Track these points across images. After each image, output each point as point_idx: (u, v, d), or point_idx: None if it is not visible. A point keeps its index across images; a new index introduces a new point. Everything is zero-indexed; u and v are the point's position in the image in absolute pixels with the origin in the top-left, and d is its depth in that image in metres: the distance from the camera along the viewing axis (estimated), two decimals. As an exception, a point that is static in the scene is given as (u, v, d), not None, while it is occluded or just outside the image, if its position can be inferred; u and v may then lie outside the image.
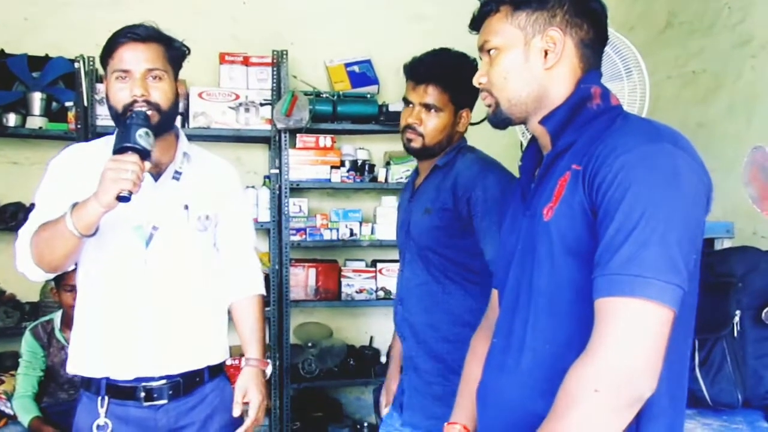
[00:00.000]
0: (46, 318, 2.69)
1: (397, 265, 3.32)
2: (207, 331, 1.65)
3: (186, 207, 1.59)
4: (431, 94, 1.72)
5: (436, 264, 1.72)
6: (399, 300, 1.83)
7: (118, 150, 1.35)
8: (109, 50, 1.50)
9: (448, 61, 1.75)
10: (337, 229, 3.32)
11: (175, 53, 1.56)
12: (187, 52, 1.61)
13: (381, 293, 3.38)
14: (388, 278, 3.38)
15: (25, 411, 2.51)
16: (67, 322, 2.65)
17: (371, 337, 3.52)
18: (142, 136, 1.36)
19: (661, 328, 0.90)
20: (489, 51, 1.12)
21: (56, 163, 1.59)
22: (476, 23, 1.15)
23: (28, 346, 2.62)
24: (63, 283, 2.60)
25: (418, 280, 1.76)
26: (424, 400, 1.72)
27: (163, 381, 1.55)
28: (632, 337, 0.89)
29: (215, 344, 1.67)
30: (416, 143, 1.75)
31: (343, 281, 3.37)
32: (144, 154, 1.36)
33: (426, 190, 1.79)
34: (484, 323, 1.35)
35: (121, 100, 1.47)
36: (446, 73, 1.71)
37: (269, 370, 1.73)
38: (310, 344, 3.32)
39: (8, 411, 2.67)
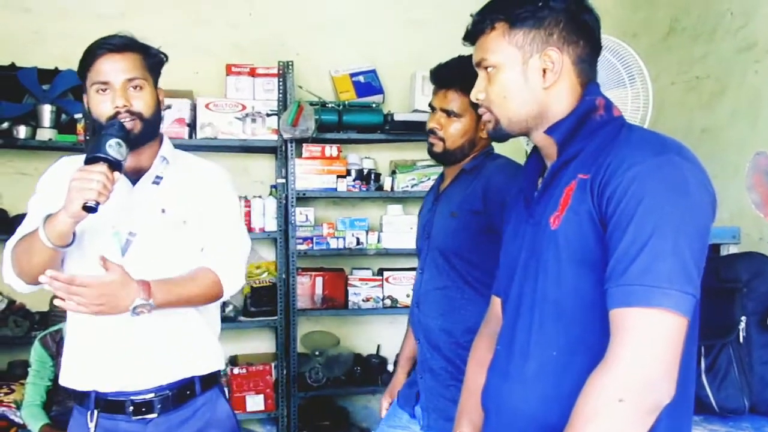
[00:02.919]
0: (55, 327, 2.70)
1: (403, 273, 3.40)
2: (194, 340, 1.58)
3: (163, 211, 1.54)
4: (451, 99, 1.73)
5: (458, 268, 1.73)
6: (415, 302, 1.84)
7: (88, 160, 1.34)
8: (86, 63, 1.49)
9: (468, 66, 1.76)
10: (344, 238, 3.33)
11: (153, 61, 1.54)
12: (165, 59, 1.58)
13: (387, 301, 3.38)
14: (395, 286, 3.39)
15: (34, 419, 2.52)
16: (76, 332, 2.67)
17: (378, 346, 3.53)
18: (112, 146, 1.34)
19: (677, 336, 0.92)
20: (486, 68, 1.13)
21: (45, 176, 1.58)
22: (470, 37, 1.16)
23: (37, 355, 2.63)
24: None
25: (436, 284, 1.77)
26: (440, 402, 1.73)
27: (152, 394, 1.50)
28: (652, 347, 0.91)
29: (205, 353, 1.59)
30: (437, 148, 1.77)
31: (350, 290, 3.38)
32: (114, 165, 1.35)
33: (452, 193, 1.79)
34: (483, 330, 1.36)
35: (104, 113, 1.46)
36: (465, 78, 1.71)
37: (138, 301, 1.39)
38: (317, 353, 3.32)
39: (18, 420, 2.69)
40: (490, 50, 1.11)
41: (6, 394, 2.81)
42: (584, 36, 1.10)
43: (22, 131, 3.04)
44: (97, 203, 1.31)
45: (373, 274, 3.47)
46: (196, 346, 1.58)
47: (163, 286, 1.44)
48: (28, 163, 3.29)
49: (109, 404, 1.51)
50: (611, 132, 1.06)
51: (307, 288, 3.34)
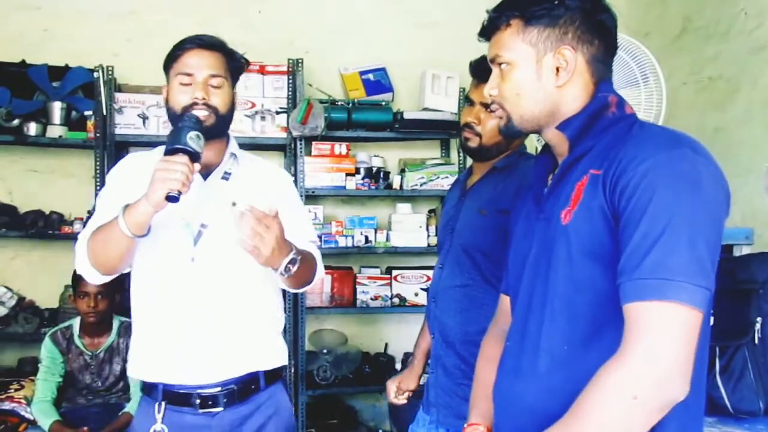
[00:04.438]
0: (65, 324, 2.71)
1: (411, 272, 3.39)
2: (260, 335, 1.61)
3: (234, 204, 1.57)
4: None
5: (481, 267, 1.71)
6: (432, 298, 1.83)
7: (169, 151, 1.39)
8: (174, 55, 1.56)
9: None
10: (352, 236, 3.33)
11: (235, 65, 1.62)
12: (246, 64, 1.67)
13: (396, 300, 3.38)
14: (403, 285, 3.39)
15: (45, 415, 2.53)
16: (85, 329, 2.68)
17: (386, 344, 3.52)
18: (192, 138, 1.39)
19: (692, 330, 0.91)
20: (500, 64, 1.13)
21: (115, 170, 1.65)
22: (486, 33, 1.16)
23: (47, 351, 2.64)
24: (78, 290, 2.63)
25: (456, 281, 1.75)
26: (452, 399, 1.72)
27: (218, 388, 1.54)
28: (667, 341, 0.90)
29: (270, 348, 1.63)
30: (473, 143, 1.74)
31: (358, 288, 3.37)
32: (194, 156, 1.40)
33: (480, 190, 1.77)
34: (493, 327, 1.36)
35: (182, 102, 1.53)
36: None
37: (292, 255, 1.43)
38: (325, 351, 3.32)
39: (28, 416, 2.70)
40: (504, 47, 1.11)
41: (16, 390, 2.82)
42: (600, 35, 1.10)
43: (32, 128, 3.06)
44: (179, 193, 1.36)
45: (382, 273, 3.47)
46: (261, 341, 1.61)
47: (299, 251, 1.47)
48: (38, 160, 3.30)
49: (177, 397, 1.54)
50: (623, 128, 1.06)
51: (316, 286, 3.33)
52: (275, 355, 1.64)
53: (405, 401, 1.92)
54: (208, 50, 1.55)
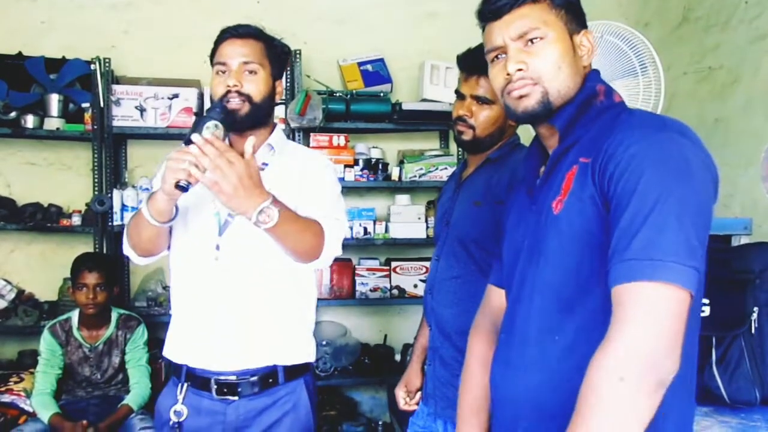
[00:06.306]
0: (64, 316, 2.72)
1: (410, 264, 3.39)
2: (282, 329, 1.59)
3: None
4: (482, 85, 1.69)
5: (477, 258, 1.71)
6: (429, 290, 1.83)
7: (187, 141, 1.40)
8: (213, 49, 1.60)
9: None
10: (351, 228, 3.32)
11: (275, 51, 1.61)
12: (288, 51, 1.67)
13: (395, 292, 3.38)
14: (402, 277, 3.39)
15: (45, 408, 2.54)
16: (84, 321, 2.68)
17: (385, 336, 3.53)
18: (209, 128, 1.40)
19: (680, 310, 0.90)
20: (530, 39, 1.08)
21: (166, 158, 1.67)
22: (501, 10, 1.10)
23: (46, 344, 2.65)
24: (77, 282, 2.63)
25: (452, 273, 1.75)
26: (449, 391, 1.72)
27: (234, 377, 1.55)
28: (654, 321, 0.89)
29: (293, 343, 1.61)
30: (467, 135, 1.74)
31: (357, 280, 3.37)
32: None
33: (475, 182, 1.78)
34: (480, 322, 1.34)
35: (218, 93, 1.55)
36: None
37: (266, 204, 1.38)
38: (324, 343, 3.32)
39: (28, 408, 2.71)
40: (540, 21, 1.08)
41: (16, 382, 2.83)
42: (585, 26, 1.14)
43: (29, 121, 3.05)
44: (189, 183, 1.37)
45: (381, 264, 3.47)
46: (281, 335, 1.59)
47: (285, 206, 1.42)
48: (36, 152, 3.30)
49: (198, 380, 1.58)
50: (612, 116, 1.07)
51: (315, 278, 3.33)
52: (297, 350, 1.61)
53: (416, 406, 1.91)
54: (241, 39, 1.56)
